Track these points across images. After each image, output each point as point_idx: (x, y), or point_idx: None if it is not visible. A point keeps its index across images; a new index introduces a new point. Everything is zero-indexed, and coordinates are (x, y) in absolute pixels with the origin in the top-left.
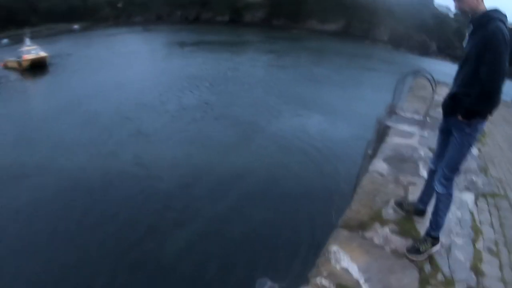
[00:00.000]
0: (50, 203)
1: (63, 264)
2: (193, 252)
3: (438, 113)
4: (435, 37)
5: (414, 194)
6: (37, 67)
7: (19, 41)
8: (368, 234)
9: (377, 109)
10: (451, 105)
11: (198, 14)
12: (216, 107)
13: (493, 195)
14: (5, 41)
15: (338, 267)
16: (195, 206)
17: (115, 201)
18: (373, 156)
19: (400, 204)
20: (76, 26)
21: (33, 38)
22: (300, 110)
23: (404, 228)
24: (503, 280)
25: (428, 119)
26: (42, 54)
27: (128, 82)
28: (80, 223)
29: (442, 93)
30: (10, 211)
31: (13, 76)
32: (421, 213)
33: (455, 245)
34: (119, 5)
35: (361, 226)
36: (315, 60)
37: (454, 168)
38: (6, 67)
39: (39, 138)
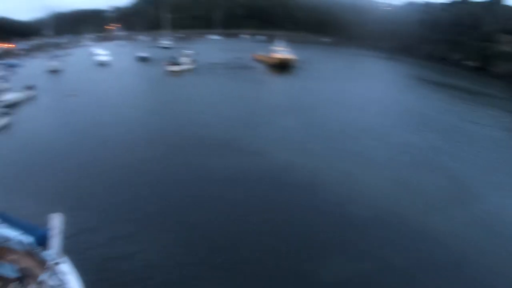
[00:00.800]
0: None
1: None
2: None
3: None
4: None
5: None
6: (283, 67)
7: (272, 40)
8: None
9: None
10: None
11: (444, 54)
12: (442, 157)
13: None
14: (261, 38)
15: None
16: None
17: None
18: None
19: None
20: (326, 39)
21: (286, 41)
22: None
23: None
24: None
25: None
26: (290, 56)
27: (358, 101)
28: None
29: None
30: None
31: (260, 67)
32: None
33: None
34: (369, 27)
35: None
36: None
37: None
38: (256, 59)
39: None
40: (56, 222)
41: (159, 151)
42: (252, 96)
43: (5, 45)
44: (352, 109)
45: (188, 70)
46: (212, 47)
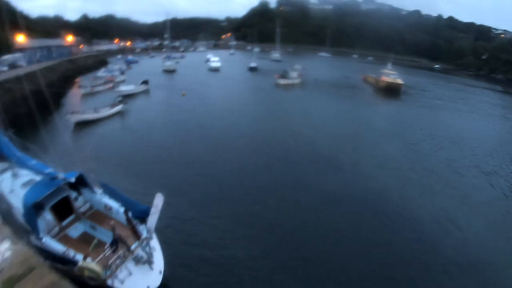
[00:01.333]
0: None
1: None
2: None
3: None
4: None
5: None
6: (391, 91)
7: (381, 62)
8: None
9: None
10: None
11: None
12: None
13: None
14: (370, 58)
15: None
16: None
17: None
18: None
19: None
20: (437, 66)
21: (394, 64)
22: None
23: None
24: None
25: None
26: (399, 81)
27: (468, 136)
28: None
29: None
30: None
31: (368, 89)
32: None
33: None
34: (484, 56)
35: None
36: None
37: None
38: (365, 80)
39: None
40: (157, 202)
41: (261, 159)
42: (358, 117)
43: (126, 43)
44: (462, 143)
45: (296, 84)
46: (321, 64)
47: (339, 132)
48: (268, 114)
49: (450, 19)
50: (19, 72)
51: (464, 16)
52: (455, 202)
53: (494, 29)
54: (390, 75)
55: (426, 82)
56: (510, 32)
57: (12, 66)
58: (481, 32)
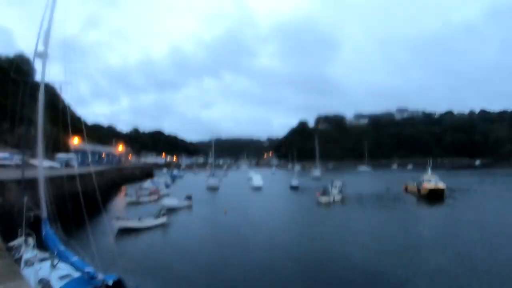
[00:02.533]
0: None
1: None
2: None
3: None
4: None
5: None
6: (434, 196)
7: (421, 168)
8: None
9: None
10: None
11: None
12: None
13: None
14: (409, 167)
15: None
16: None
17: None
18: None
19: None
20: (477, 162)
21: (434, 168)
22: None
23: None
24: None
25: None
26: (441, 185)
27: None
28: None
29: None
30: None
31: (410, 198)
32: None
33: None
34: None
35: None
36: None
37: None
38: (406, 191)
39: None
40: None
41: (302, 279)
42: (402, 229)
43: (173, 159)
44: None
45: (338, 201)
46: (361, 179)
47: (382, 249)
48: (309, 234)
49: (482, 111)
50: (72, 171)
51: (495, 105)
52: None
53: None
54: (431, 180)
55: (470, 181)
56: None
57: (66, 164)
58: None
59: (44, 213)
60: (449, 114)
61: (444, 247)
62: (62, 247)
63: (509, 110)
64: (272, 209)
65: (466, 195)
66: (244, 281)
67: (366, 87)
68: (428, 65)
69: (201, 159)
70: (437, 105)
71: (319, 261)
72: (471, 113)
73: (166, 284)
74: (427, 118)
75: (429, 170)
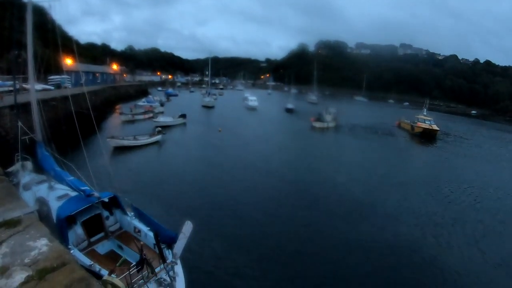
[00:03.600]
0: None
1: None
2: None
3: None
4: None
5: None
6: (426, 137)
7: (417, 107)
8: None
9: None
10: None
11: None
12: None
13: None
14: (406, 103)
15: None
16: None
17: None
18: None
19: None
20: (473, 111)
21: (430, 109)
22: None
23: None
24: None
25: None
26: (435, 127)
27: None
28: None
29: None
30: None
31: (403, 135)
32: None
33: None
34: None
35: None
36: None
37: None
38: (399, 126)
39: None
40: (186, 229)
41: (295, 201)
42: (391, 164)
43: (168, 76)
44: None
45: (331, 128)
46: (357, 108)
47: (370, 179)
48: (301, 157)
49: (487, 63)
50: (65, 92)
51: (501, 60)
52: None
53: None
54: (426, 121)
55: (464, 129)
56: None
57: (58, 86)
58: None
59: (39, 136)
60: (453, 57)
61: (428, 187)
62: (58, 169)
63: None
64: (265, 130)
65: (457, 141)
66: (232, 199)
67: (370, 18)
68: (436, 4)
69: (197, 77)
70: (441, 49)
71: (305, 181)
72: (476, 62)
73: (159, 200)
74: (430, 58)
75: (425, 110)
